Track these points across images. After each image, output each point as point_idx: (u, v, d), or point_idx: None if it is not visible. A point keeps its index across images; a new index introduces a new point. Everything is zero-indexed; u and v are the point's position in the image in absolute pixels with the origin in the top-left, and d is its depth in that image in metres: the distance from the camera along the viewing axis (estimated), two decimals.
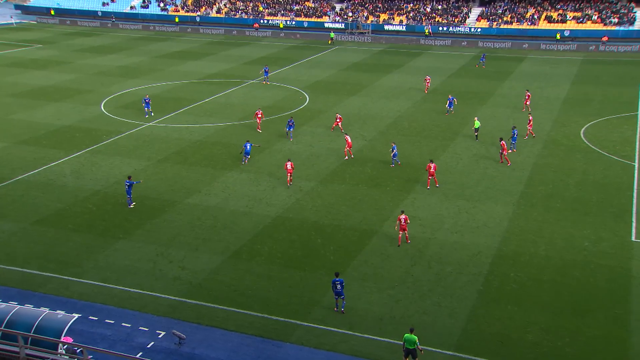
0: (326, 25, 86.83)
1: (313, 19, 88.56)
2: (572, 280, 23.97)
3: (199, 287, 23.93)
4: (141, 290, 23.65)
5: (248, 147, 36.47)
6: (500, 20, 79.94)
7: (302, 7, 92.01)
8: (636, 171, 34.48)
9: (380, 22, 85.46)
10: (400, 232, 26.80)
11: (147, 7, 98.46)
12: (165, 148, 39.64)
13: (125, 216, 30.03)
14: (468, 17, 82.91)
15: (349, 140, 37.27)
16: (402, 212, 27.13)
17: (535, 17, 78.72)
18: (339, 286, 21.90)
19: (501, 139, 36.46)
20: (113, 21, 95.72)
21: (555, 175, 34.39)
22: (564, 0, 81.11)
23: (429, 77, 54.50)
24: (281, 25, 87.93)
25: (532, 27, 77.63)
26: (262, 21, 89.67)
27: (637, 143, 38.94)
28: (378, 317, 21.90)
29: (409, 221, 27.33)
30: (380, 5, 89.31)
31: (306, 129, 43.45)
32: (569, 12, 78.29)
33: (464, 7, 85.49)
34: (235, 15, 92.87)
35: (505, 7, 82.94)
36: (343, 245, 27.03)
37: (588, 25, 75.56)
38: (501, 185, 33.26)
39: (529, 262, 25.38)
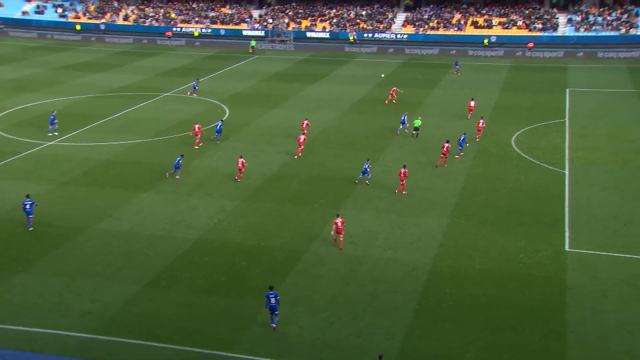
0: (245, 33, 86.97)
1: (230, 27, 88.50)
2: (509, 294, 24.94)
3: (111, 321, 23.13)
4: (44, 329, 22.58)
5: (177, 160, 36.59)
6: (426, 26, 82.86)
7: (218, 13, 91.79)
8: (567, 179, 36.45)
9: (303, 29, 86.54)
10: (336, 235, 28.10)
11: (43, 13, 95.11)
12: (70, 169, 38.26)
13: (24, 246, 28.66)
14: (394, 23, 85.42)
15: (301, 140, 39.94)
16: (338, 215, 28.40)
17: (462, 22, 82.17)
18: (273, 300, 22.10)
19: (447, 141, 38.52)
20: (1, 28, 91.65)
21: (488, 185, 35.80)
22: (490, 5, 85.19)
23: (395, 87, 55.57)
24: (196, 34, 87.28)
25: (459, 32, 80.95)
26: (174, 29, 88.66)
27: (567, 150, 41.22)
28: (310, 342, 21.93)
29: (344, 223, 28.32)
30: (301, 11, 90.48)
31: (227, 144, 43.18)
32: (494, 18, 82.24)
33: (389, 12, 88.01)
34: (145, 22, 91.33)
35: (431, 13, 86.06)
36: (270, 267, 26.95)
37: (514, 31, 79.63)
38: (434, 197, 34.24)
39: (466, 277, 26.21)
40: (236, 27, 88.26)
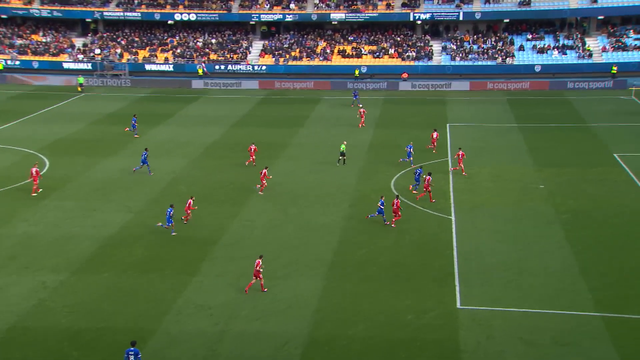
0: (66, 66, 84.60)
1: (47, 58, 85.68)
2: None
3: None
4: None
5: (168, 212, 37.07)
6: (287, 56, 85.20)
7: (29, 42, 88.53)
8: (454, 226, 38.44)
9: (140, 61, 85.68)
10: (254, 279, 30.27)
11: None
12: None
13: None
14: (249, 53, 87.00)
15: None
16: (261, 256, 31.05)
17: (328, 51, 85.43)
18: (132, 358, 22.28)
19: (429, 174, 41.63)
20: None
21: (367, 237, 36.83)
22: (357, 32, 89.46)
23: (363, 110, 60.79)
24: (1, 67, 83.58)
25: (325, 63, 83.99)
26: None
27: (452, 194, 43.59)
28: None
29: (262, 267, 30.51)
30: (137, 39, 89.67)
31: (48, 204, 41.32)
32: (363, 46, 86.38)
33: (243, 40, 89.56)
34: None
35: (292, 40, 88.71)
36: (110, 354, 25.79)
37: (385, 60, 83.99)
38: (307, 254, 34.67)
39: (348, 347, 26.53)
40: (54, 59, 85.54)
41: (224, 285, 31.39)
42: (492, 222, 38.63)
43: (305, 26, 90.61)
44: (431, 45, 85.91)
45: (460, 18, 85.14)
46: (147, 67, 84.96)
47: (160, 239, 36.45)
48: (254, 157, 48.74)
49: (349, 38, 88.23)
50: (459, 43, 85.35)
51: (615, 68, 77.21)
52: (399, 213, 37.97)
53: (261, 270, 30.50)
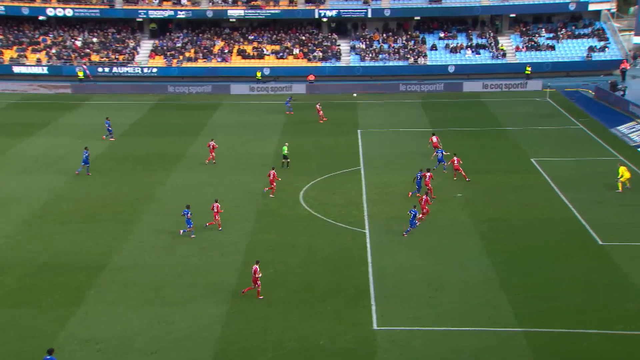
0: None
1: None
2: None
3: None
4: None
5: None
6: (181, 57, 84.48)
7: None
8: (368, 240, 39.07)
9: (6, 62, 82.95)
10: (252, 286, 32.00)
11: None
12: None
13: None
14: (137, 54, 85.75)
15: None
16: (257, 261, 32.38)
17: (226, 51, 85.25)
18: None
19: (428, 169, 44.81)
20: None
21: (275, 255, 36.94)
22: (258, 31, 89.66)
23: (319, 106, 63.12)
24: None
25: (224, 64, 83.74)
26: None
27: (365, 205, 44.31)
28: None
29: (259, 274, 31.77)
30: (1, 37, 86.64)
31: None
32: (265, 45, 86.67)
33: (129, 39, 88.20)
34: None
35: (185, 40, 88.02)
36: None
37: (290, 61, 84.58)
38: (208, 276, 34.50)
39: None
40: None
41: (115, 315, 30.79)
42: (408, 235, 39.46)
43: (200, 24, 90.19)
44: (339, 45, 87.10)
45: (369, 15, 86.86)
46: (16, 69, 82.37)
47: (37, 267, 35.45)
48: (213, 154, 51.69)
49: (249, 37, 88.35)
50: (368, 42, 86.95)
51: (529, 68, 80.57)
52: (427, 208, 40.81)
53: (259, 276, 31.78)
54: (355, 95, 68.57)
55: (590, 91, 75.82)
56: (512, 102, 73.07)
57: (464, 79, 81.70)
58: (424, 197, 41.17)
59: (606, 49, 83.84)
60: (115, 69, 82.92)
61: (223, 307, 31.55)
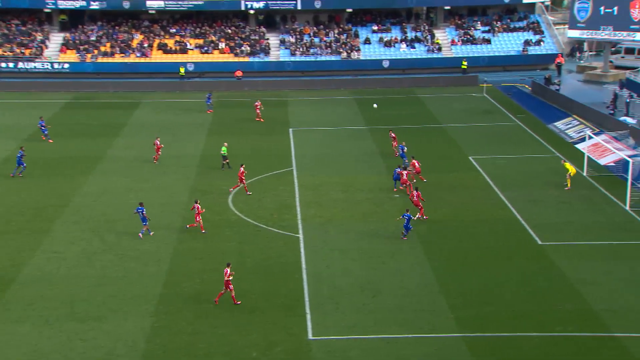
0: None
1: None
2: None
3: None
4: None
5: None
6: (96, 52, 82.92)
7: None
8: (302, 245, 38.97)
9: None
10: (224, 290, 31.92)
11: None
12: None
13: None
14: (46, 48, 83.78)
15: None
16: (228, 264, 32.46)
17: (145, 46, 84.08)
18: None
19: (404, 167, 46.18)
20: None
21: (202, 264, 36.55)
22: (180, 23, 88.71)
23: (258, 102, 64.61)
24: None
25: (143, 59, 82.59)
26: None
27: (298, 208, 44.21)
28: None
29: (230, 276, 31.94)
30: None
31: None
32: (188, 39, 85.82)
33: (36, 32, 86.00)
34: None
35: (100, 33, 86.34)
36: None
37: (216, 56, 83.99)
38: (130, 288, 33.88)
39: None
40: None
41: (22, 334, 29.97)
42: (343, 239, 39.53)
43: (116, 16, 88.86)
44: (267, 39, 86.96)
45: (299, 7, 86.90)
46: None
47: None
48: (159, 153, 52.37)
49: (171, 30, 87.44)
50: (298, 36, 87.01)
51: (465, 63, 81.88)
52: (421, 204, 41.59)
53: (231, 279, 31.74)
54: (375, 106, 66.65)
55: (526, 86, 77.40)
56: (449, 97, 74.00)
57: (399, 74, 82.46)
58: (415, 192, 41.90)
59: (542, 43, 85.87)
60: (21, 64, 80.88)
61: (146, 321, 31.00)
